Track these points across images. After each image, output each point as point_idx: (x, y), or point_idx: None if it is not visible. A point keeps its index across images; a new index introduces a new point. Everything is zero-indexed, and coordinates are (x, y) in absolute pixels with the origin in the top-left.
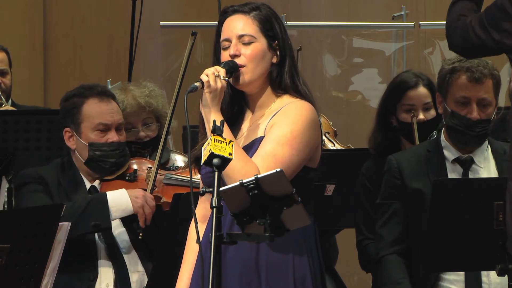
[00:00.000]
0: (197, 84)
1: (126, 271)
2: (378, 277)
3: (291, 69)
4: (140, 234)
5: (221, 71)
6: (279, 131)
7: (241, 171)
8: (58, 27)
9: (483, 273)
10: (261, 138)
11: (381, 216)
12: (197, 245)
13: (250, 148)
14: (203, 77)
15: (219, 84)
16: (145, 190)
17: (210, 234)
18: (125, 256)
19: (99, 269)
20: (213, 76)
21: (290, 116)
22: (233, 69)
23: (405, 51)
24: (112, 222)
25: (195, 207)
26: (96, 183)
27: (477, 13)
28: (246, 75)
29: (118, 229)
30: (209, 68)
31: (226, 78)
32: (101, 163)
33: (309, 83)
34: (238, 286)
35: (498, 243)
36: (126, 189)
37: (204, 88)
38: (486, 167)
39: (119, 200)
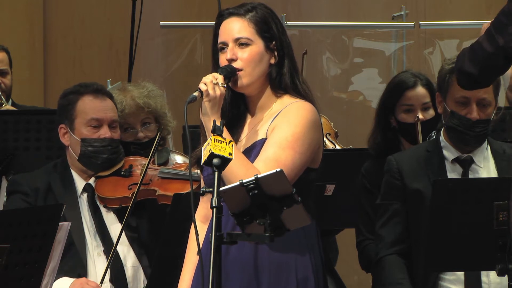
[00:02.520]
0: (195, 94)
1: (122, 266)
2: (378, 277)
3: (290, 68)
4: None
5: (219, 78)
6: (280, 134)
7: (244, 178)
8: (58, 27)
9: (483, 273)
10: (262, 140)
11: (381, 217)
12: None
13: (252, 150)
14: (202, 86)
15: (217, 92)
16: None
17: (210, 234)
18: (120, 251)
19: (95, 263)
20: (211, 84)
21: (291, 118)
22: (231, 74)
23: (405, 51)
24: (108, 217)
25: (195, 210)
26: (92, 180)
27: None
28: (244, 78)
29: (113, 224)
30: (207, 76)
31: (225, 85)
32: (93, 159)
33: (309, 83)
34: (239, 286)
35: (498, 243)
36: (119, 185)
37: (203, 97)
38: (486, 166)
39: None
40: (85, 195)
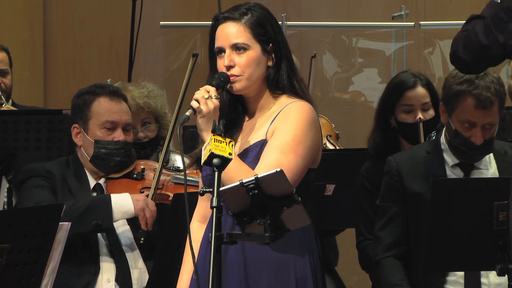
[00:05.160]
0: (188, 113)
1: (128, 267)
2: (376, 279)
3: (288, 69)
4: (142, 239)
5: (212, 90)
6: (281, 138)
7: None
8: (58, 27)
9: (483, 274)
10: (261, 141)
11: (380, 219)
12: (197, 246)
13: (250, 151)
14: (194, 103)
15: (211, 106)
16: (150, 188)
17: (210, 234)
18: (127, 253)
19: (101, 264)
20: (203, 99)
21: (291, 120)
22: (224, 83)
23: (405, 51)
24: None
25: (193, 212)
26: (102, 181)
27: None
28: (243, 82)
29: (121, 227)
30: (199, 91)
31: (218, 96)
32: (106, 161)
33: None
34: (238, 287)
35: (498, 243)
36: (131, 187)
37: (197, 114)
38: (488, 170)
39: (122, 202)
40: (94, 194)
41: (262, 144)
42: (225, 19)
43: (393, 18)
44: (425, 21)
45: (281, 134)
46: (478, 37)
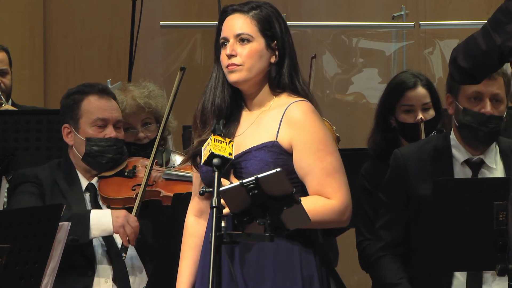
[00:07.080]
0: None
1: (125, 268)
2: (376, 277)
3: (290, 69)
4: (124, 255)
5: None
6: (310, 148)
7: (325, 211)
8: (58, 27)
9: (484, 281)
10: (272, 142)
11: (382, 217)
12: (195, 240)
13: (260, 150)
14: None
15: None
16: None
17: (210, 234)
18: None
19: (98, 265)
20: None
21: (306, 126)
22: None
23: (405, 51)
24: None
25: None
26: (94, 180)
27: None
28: (243, 73)
29: None
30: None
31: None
32: (98, 158)
33: (311, 83)
34: (245, 285)
35: (498, 243)
36: (123, 185)
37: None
38: (495, 169)
39: (101, 219)
40: (87, 194)
41: (272, 145)
42: (233, 11)
43: (393, 18)
44: (425, 21)
45: (307, 144)
46: (477, 42)
